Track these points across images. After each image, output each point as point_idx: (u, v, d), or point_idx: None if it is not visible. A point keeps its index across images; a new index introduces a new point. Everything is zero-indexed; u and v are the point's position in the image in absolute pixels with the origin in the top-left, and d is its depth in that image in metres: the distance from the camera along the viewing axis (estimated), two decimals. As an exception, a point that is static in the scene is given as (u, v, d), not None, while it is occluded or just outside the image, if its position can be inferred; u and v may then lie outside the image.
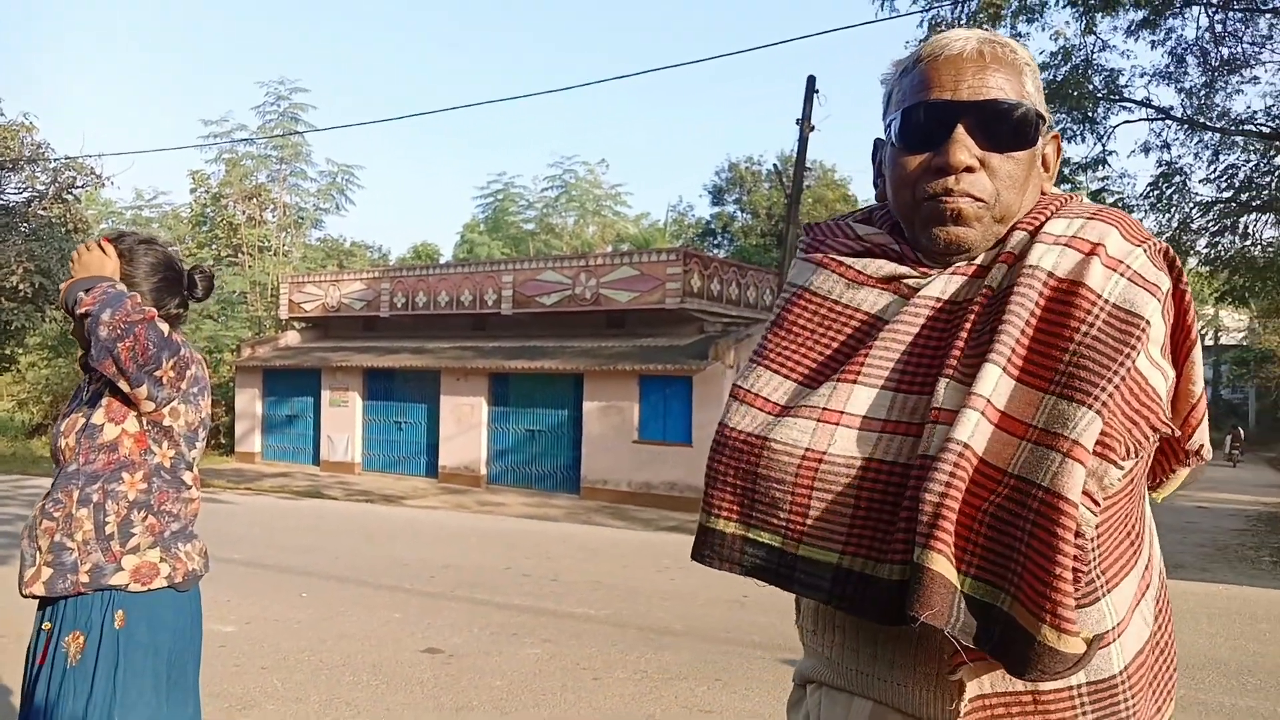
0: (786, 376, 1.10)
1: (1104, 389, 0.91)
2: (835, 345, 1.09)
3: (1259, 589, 8.30)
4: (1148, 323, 0.95)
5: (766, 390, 1.10)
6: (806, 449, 1.02)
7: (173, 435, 2.07)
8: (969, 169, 1.03)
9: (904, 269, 1.09)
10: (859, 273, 1.11)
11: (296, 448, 20.01)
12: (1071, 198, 1.11)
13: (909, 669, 1.01)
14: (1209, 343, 36.35)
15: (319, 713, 4.17)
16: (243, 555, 8.14)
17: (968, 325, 1.00)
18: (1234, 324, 35.75)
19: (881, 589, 0.96)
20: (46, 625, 2.01)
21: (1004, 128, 1.05)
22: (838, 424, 1.02)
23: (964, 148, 1.03)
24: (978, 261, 1.07)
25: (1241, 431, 28.51)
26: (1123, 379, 0.92)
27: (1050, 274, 0.99)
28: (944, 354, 1.01)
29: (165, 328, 1.98)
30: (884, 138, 1.14)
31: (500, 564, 8.49)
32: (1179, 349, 1.03)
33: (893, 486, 0.98)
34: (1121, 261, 0.98)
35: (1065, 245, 1.01)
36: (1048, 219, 1.06)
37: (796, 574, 1.02)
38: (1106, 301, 0.96)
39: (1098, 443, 0.90)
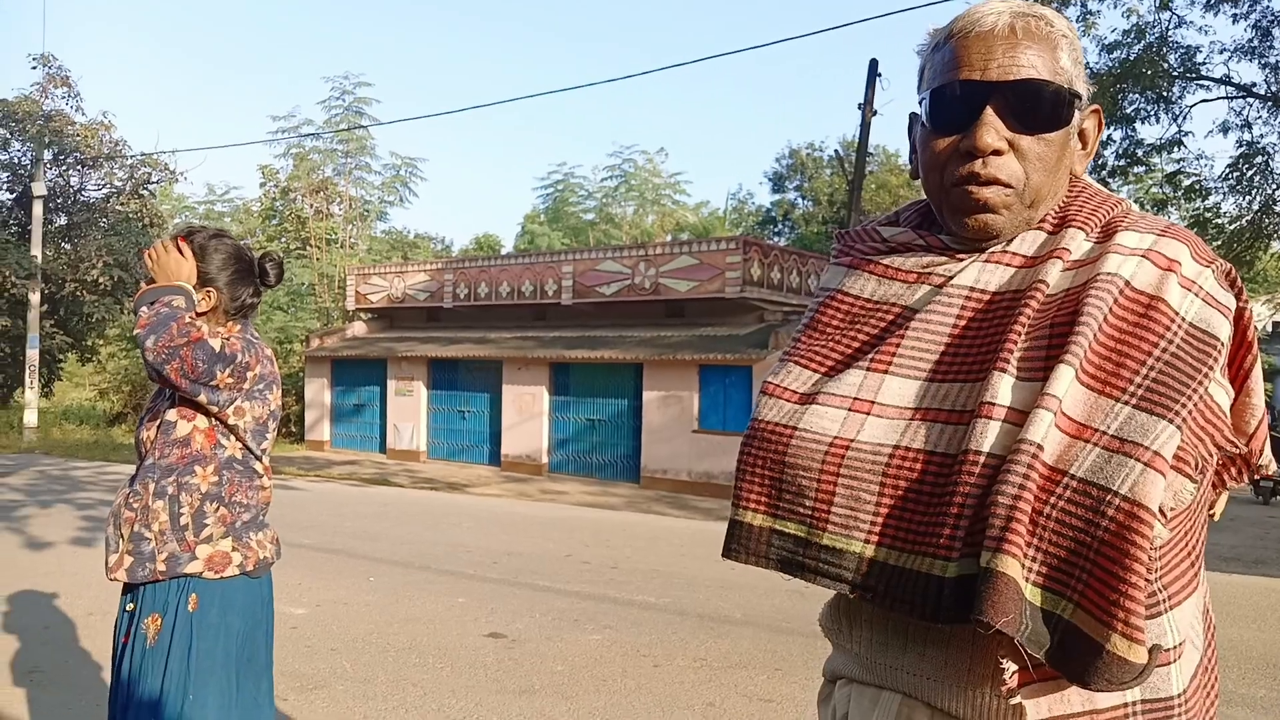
0: (816, 370, 1.10)
1: (1184, 405, 0.90)
2: (866, 337, 1.09)
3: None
4: (1222, 344, 0.95)
5: (796, 384, 1.10)
6: (835, 437, 1.02)
7: (239, 430, 2.15)
8: (997, 152, 1.01)
9: (935, 258, 1.08)
10: (888, 267, 1.11)
11: (364, 436, 20.44)
12: (1120, 200, 1.09)
13: (939, 663, 0.99)
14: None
15: (386, 693, 4.28)
16: (313, 540, 8.37)
17: (1021, 319, 0.98)
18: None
19: (915, 582, 0.94)
20: (130, 607, 2.12)
21: (1035, 109, 1.02)
22: (868, 413, 1.02)
23: (992, 130, 1.01)
24: (1019, 250, 1.05)
25: None
26: (1200, 398, 0.92)
27: (1128, 283, 0.97)
28: (991, 346, 0.99)
29: (217, 344, 2.05)
30: (918, 113, 1.12)
31: (561, 551, 8.59)
32: (1240, 367, 1.02)
33: (929, 475, 0.96)
34: (1195, 282, 0.98)
35: (1142, 257, 0.99)
36: (1115, 228, 1.03)
37: (820, 564, 1.00)
38: (1184, 320, 0.95)
39: (1174, 456, 0.89)
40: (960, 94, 1.03)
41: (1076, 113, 1.05)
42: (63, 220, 23.85)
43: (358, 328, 21.78)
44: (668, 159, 52.18)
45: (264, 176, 29.40)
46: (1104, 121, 1.12)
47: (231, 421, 2.13)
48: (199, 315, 2.17)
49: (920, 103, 1.09)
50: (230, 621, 2.11)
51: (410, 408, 19.30)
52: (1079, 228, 1.04)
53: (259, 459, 2.23)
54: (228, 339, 2.11)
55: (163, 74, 77.38)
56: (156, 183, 24.99)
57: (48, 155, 22.55)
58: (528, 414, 17.39)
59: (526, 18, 79.24)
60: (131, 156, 23.78)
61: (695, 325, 16.39)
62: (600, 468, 16.66)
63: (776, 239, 35.02)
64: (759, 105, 74.32)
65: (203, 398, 2.07)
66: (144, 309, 2.08)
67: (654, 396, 15.65)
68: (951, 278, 1.06)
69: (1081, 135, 1.10)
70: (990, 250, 1.06)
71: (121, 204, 23.73)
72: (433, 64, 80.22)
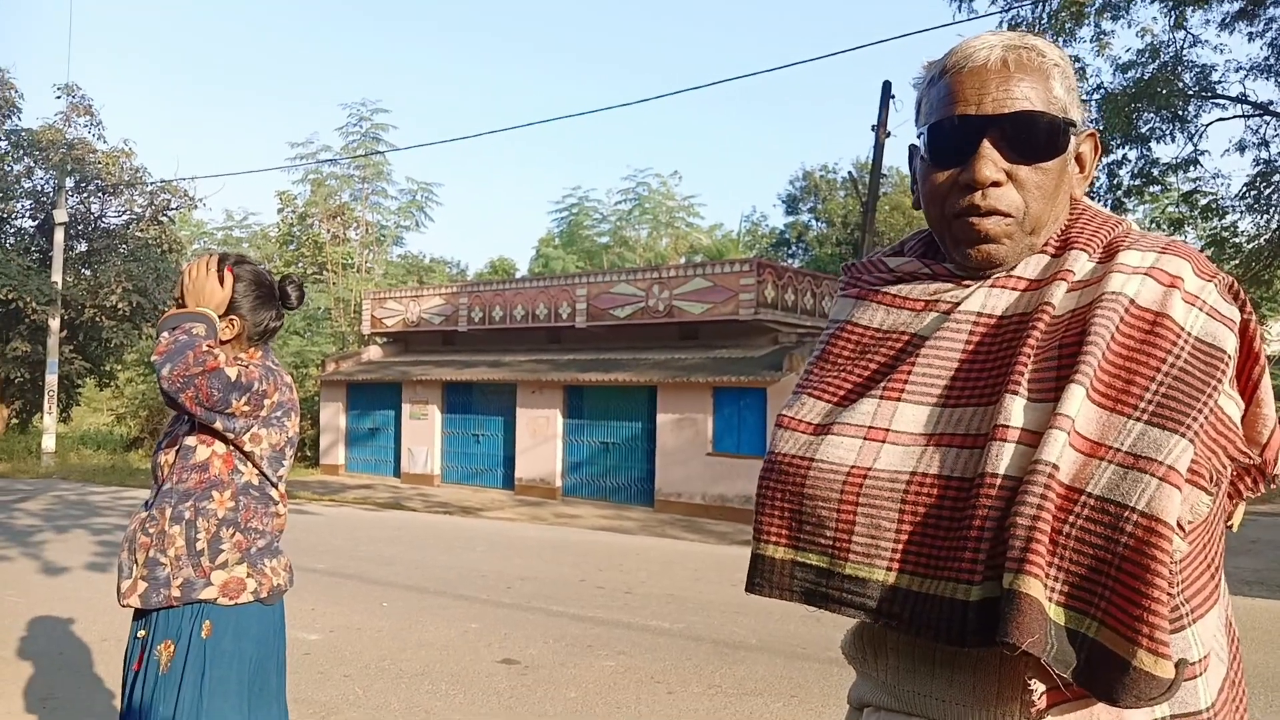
0: (829, 401, 1.11)
1: (1195, 418, 0.91)
2: (877, 366, 1.10)
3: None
4: (1230, 356, 0.96)
5: (810, 415, 1.11)
6: (852, 466, 1.02)
7: (255, 457, 2.15)
8: (995, 183, 1.03)
9: (941, 285, 1.10)
10: (896, 297, 1.13)
11: (379, 460, 20.48)
12: (1120, 221, 1.11)
13: (967, 688, 0.99)
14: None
15: (399, 721, 4.25)
16: (326, 565, 8.36)
17: (1030, 341, 0.99)
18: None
19: (939, 607, 0.94)
20: (141, 633, 2.12)
21: (1031, 139, 1.04)
22: (884, 441, 1.03)
23: (990, 162, 1.03)
24: (1024, 274, 1.07)
25: None
26: (1211, 410, 0.93)
27: (1133, 301, 0.98)
28: (1001, 369, 1.00)
29: (234, 372, 2.05)
30: (917, 145, 1.14)
31: (575, 576, 8.55)
32: (1247, 378, 1.03)
33: (947, 500, 0.97)
34: (1198, 296, 0.99)
35: (1145, 275, 1.01)
36: (1117, 248, 1.05)
37: (844, 594, 1.01)
38: (1190, 334, 0.96)
39: (1189, 470, 0.89)
40: (957, 128, 1.05)
41: (1072, 139, 1.07)
42: (83, 246, 24.14)
43: (373, 352, 21.89)
44: (681, 182, 52.37)
45: (282, 202, 29.72)
46: (1100, 145, 1.13)
47: (248, 448, 2.14)
48: (222, 343, 2.18)
49: (919, 136, 1.11)
50: (244, 648, 2.10)
51: (425, 431, 19.33)
52: (1081, 249, 1.05)
53: (275, 485, 2.23)
54: (246, 366, 2.11)
55: (182, 102, 78.55)
56: (176, 209, 25.27)
57: (70, 183, 22.87)
58: (542, 437, 17.38)
59: (540, 42, 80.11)
60: (151, 183, 24.08)
61: (709, 348, 16.38)
62: (614, 491, 16.61)
63: (790, 261, 35.03)
64: (772, 128, 74.68)
65: (218, 424, 2.08)
66: (165, 334, 2.09)
67: (668, 419, 15.62)
68: (959, 304, 1.08)
69: (1079, 159, 1.11)
70: (995, 275, 1.08)
71: (141, 230, 24.00)
72: (448, 89, 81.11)
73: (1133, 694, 0.85)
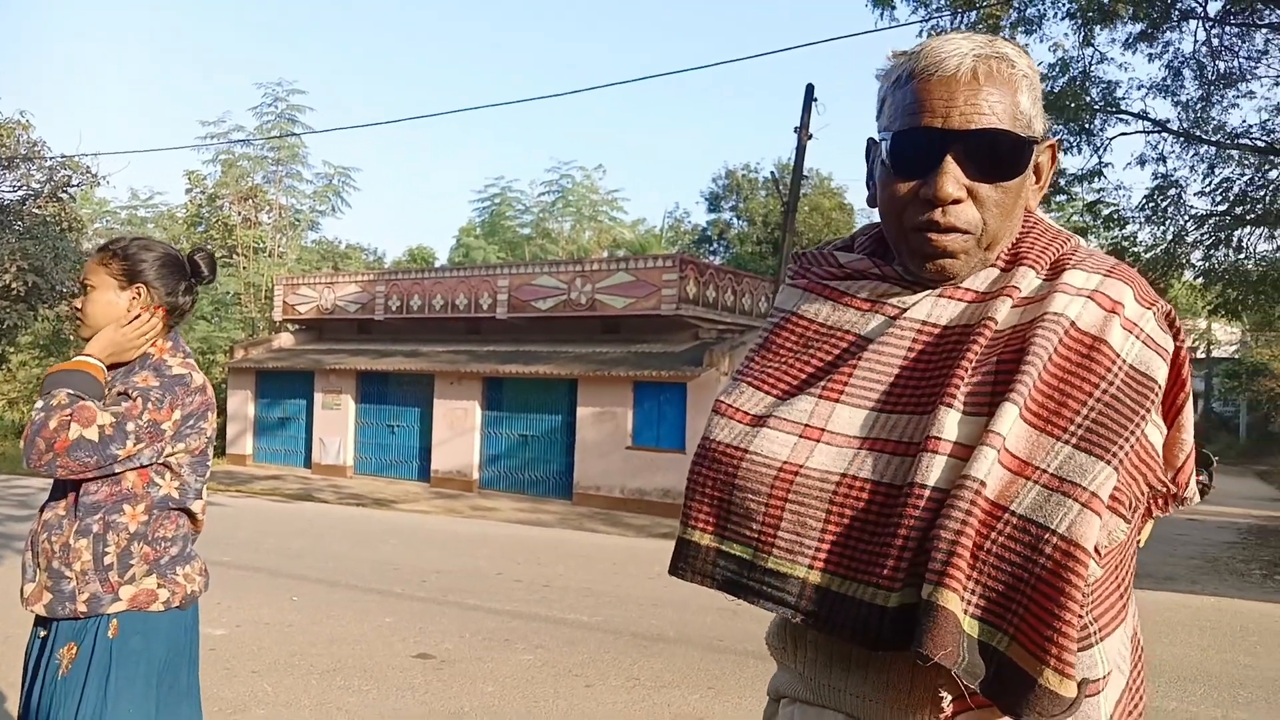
0: (768, 393, 1.11)
1: (1121, 446, 0.92)
2: (819, 363, 1.10)
3: (1249, 601, 8.31)
4: (1160, 386, 0.98)
5: (748, 405, 1.10)
6: (785, 462, 1.02)
7: (174, 467, 2.05)
8: (956, 200, 1.02)
9: (889, 288, 1.10)
10: (844, 294, 1.13)
11: (289, 450, 19.93)
12: (1070, 237, 1.11)
13: (881, 686, 1.01)
14: (1200, 355, 36.47)
15: (309, 718, 4.14)
16: (233, 558, 8.10)
17: (970, 355, 1.00)
18: (1226, 337, 35.86)
19: (857, 609, 0.95)
20: (43, 633, 2.01)
21: (994, 158, 1.02)
22: (819, 440, 1.03)
23: (952, 179, 1.01)
24: (972, 286, 1.07)
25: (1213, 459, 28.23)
26: (1137, 439, 0.94)
27: (1073, 323, 0.99)
28: (938, 380, 1.01)
29: (94, 432, 1.88)
30: (876, 140, 1.12)
31: (492, 569, 8.47)
32: (1171, 404, 1.05)
33: (874, 505, 0.97)
34: (1136, 324, 1.00)
35: (1088, 298, 1.01)
36: (1063, 266, 1.05)
37: (764, 587, 1.02)
38: (1125, 362, 0.97)
39: (1110, 497, 0.91)
40: (921, 141, 1.03)
41: (1033, 154, 1.06)
42: (-27, 222, 22.83)
43: (284, 339, 21.29)
44: (605, 176, 52.29)
45: (190, 182, 28.61)
46: (1058, 155, 1.13)
47: (164, 463, 2.02)
48: (138, 318, 2.06)
49: (881, 140, 1.09)
50: (153, 649, 2.00)
51: (337, 422, 18.90)
52: (1030, 265, 1.05)
53: (198, 496, 2.10)
54: (131, 399, 1.94)
55: (86, 74, 74.90)
56: (77, 186, 24.06)
57: (-41, 154, 21.60)
58: (459, 429, 17.16)
59: (464, 31, 78.96)
60: (51, 158, 22.90)
61: (631, 342, 16.41)
62: (533, 484, 16.52)
63: (712, 258, 35.30)
64: (697, 125, 75.16)
65: (119, 469, 1.94)
66: (39, 403, 1.92)
67: (588, 413, 15.59)
68: (905, 310, 1.08)
69: (1036, 169, 1.10)
70: (943, 286, 1.08)
71: (39, 207, 22.79)
72: (369, 73, 79.24)
73: (1036, 710, 0.87)
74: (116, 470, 1.94)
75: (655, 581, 8.05)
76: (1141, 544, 1.14)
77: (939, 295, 1.07)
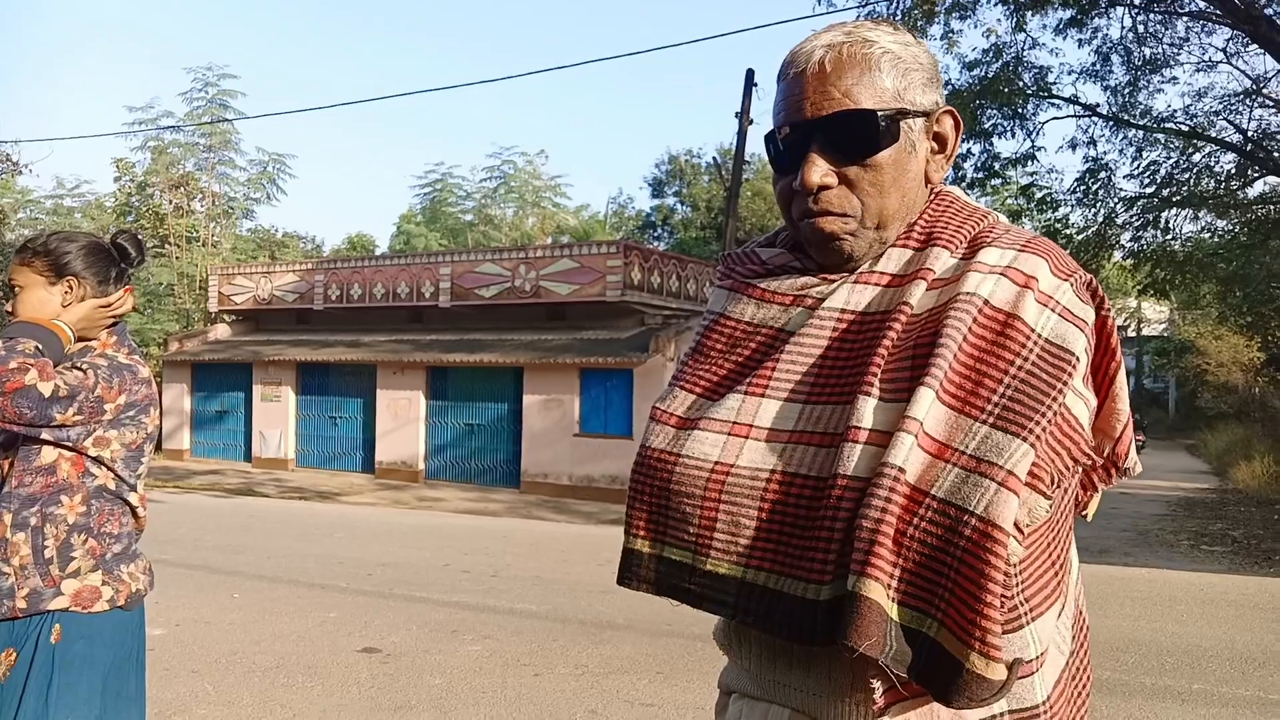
0: (698, 394, 1.11)
1: (1038, 422, 0.92)
2: (745, 361, 1.11)
3: (1177, 572, 8.61)
4: (1077, 359, 0.97)
5: (680, 409, 1.11)
6: (716, 462, 1.02)
7: (106, 459, 1.99)
8: (825, 186, 1.04)
9: (809, 280, 1.10)
10: (766, 291, 1.13)
11: (227, 444, 19.53)
12: (987, 214, 1.10)
13: (823, 679, 1.01)
14: (1131, 334, 37.62)
15: (252, 716, 4.07)
16: (172, 556, 7.92)
17: (886, 341, 0.99)
18: (1155, 316, 37.06)
19: (791, 605, 0.95)
20: None
21: (850, 139, 1.04)
22: (747, 436, 1.03)
23: (815, 168, 1.04)
24: (886, 269, 1.07)
25: (1143, 424, 29.29)
26: (1055, 413, 0.94)
27: (986, 301, 0.98)
28: (858, 368, 1.00)
29: (48, 387, 1.84)
30: None
31: (439, 561, 8.40)
32: (1103, 374, 1.05)
33: (804, 499, 0.97)
34: (1051, 297, 0.99)
35: (1001, 274, 1.00)
36: (980, 244, 1.04)
37: (704, 590, 1.02)
38: (1040, 336, 0.96)
39: (1029, 474, 0.91)
40: (786, 137, 1.07)
41: (904, 128, 1.05)
42: (-115, 213, 21.87)
43: (221, 330, 20.81)
44: (548, 161, 51.96)
45: (119, 170, 27.72)
46: (960, 121, 1.12)
47: (93, 453, 1.95)
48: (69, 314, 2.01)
49: (766, 144, 1.13)
50: (97, 653, 1.94)
51: (277, 414, 18.55)
52: (944, 246, 1.05)
53: (134, 489, 2.05)
54: (84, 371, 1.91)
55: (6, 58, 71.99)
56: (-4, 174, 23.20)
57: None
58: (403, 419, 16.97)
59: (403, 15, 77.59)
60: (-34, 145, 22.01)
61: (576, 329, 16.36)
62: (479, 473, 16.42)
63: (656, 243, 35.37)
64: (639, 111, 75.00)
65: (46, 436, 1.89)
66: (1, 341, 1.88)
67: (534, 400, 15.53)
68: (824, 299, 1.08)
69: (938, 139, 1.10)
70: (859, 271, 1.08)
71: (-45, 196, 21.94)
72: (304, 58, 77.56)
73: (965, 695, 0.87)
74: (44, 436, 1.89)
75: (604, 569, 8.06)
76: (1089, 518, 1.15)
77: (855, 281, 1.07)
